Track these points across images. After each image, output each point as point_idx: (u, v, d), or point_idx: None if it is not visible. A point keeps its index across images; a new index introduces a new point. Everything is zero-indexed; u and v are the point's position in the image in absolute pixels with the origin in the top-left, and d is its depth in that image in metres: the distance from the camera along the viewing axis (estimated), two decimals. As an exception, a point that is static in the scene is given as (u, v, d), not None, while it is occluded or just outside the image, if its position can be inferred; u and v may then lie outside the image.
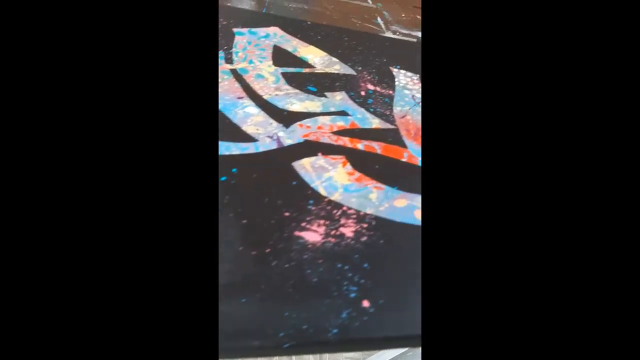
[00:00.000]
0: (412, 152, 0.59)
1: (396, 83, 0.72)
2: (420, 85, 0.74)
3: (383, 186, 0.52)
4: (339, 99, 0.65)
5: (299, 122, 0.59)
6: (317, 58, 0.74)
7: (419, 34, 0.91)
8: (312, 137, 0.57)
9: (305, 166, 0.53)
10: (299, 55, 0.73)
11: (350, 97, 0.66)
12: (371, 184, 0.52)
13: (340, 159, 0.55)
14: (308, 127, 0.59)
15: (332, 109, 0.63)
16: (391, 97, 0.69)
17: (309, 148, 0.56)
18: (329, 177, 0.52)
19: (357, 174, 0.53)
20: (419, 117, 0.67)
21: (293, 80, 0.67)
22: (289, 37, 0.77)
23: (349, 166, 0.54)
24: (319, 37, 0.79)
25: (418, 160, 0.58)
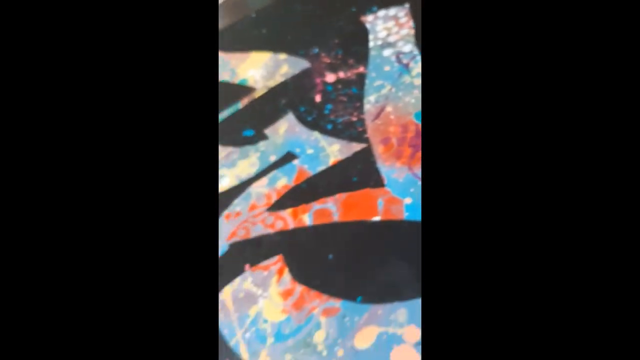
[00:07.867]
0: (392, 192, 0.35)
1: (370, 42, 0.48)
2: (411, 23, 0.49)
3: (337, 303, 0.31)
4: (282, 131, 0.46)
5: (225, 212, 0.41)
6: (258, 71, 0.53)
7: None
8: (240, 234, 0.38)
9: (225, 302, 0.34)
10: (237, 81, 0.54)
11: (300, 117, 0.47)
12: (318, 304, 0.31)
13: (275, 263, 0.35)
14: (238, 213, 0.40)
15: (273, 158, 0.44)
16: (361, 79, 0.46)
17: (235, 259, 0.37)
18: (255, 316, 0.32)
19: (298, 289, 0.32)
20: (409, 95, 0.42)
21: (228, 129, 0.50)
22: (226, 56, 0.57)
23: (286, 275, 0.34)
24: (264, 31, 0.58)
25: (402, 209, 0.33)
